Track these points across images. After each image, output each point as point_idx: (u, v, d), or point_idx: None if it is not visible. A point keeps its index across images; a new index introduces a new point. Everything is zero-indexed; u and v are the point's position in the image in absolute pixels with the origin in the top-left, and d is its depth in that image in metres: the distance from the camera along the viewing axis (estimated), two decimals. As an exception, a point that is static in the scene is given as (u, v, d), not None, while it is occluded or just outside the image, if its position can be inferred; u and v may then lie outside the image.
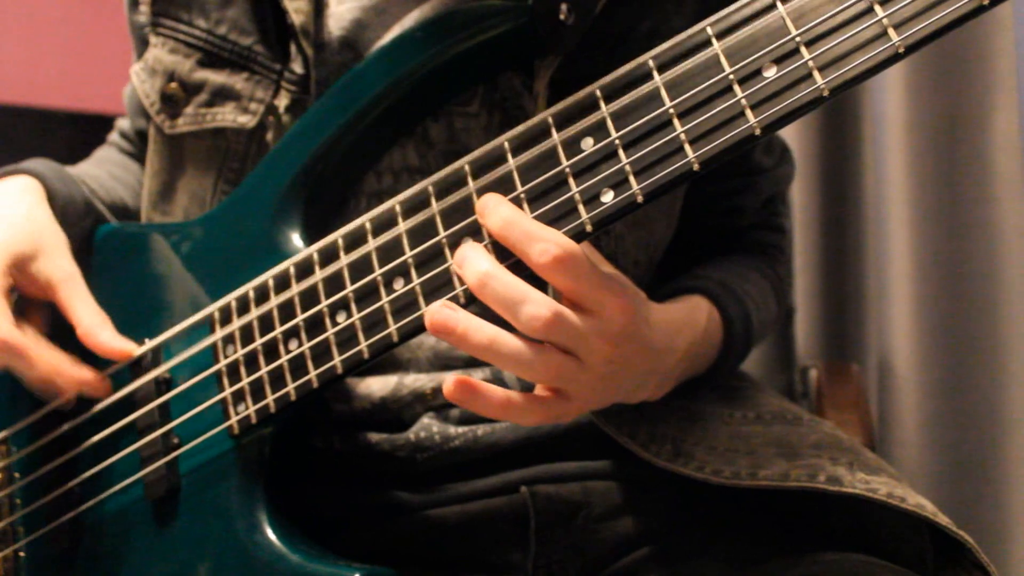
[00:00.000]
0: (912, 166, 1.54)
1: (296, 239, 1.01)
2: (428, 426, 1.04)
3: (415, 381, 1.04)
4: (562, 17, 0.97)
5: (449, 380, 0.81)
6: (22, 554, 1.10)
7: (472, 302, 0.83)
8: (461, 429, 1.04)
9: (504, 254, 0.82)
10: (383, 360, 1.04)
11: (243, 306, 0.98)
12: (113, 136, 1.41)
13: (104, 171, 1.31)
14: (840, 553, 0.97)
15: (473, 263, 0.80)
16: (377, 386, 1.05)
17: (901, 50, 0.72)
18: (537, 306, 0.78)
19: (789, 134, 1.47)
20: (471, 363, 1.05)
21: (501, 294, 0.79)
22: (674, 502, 1.07)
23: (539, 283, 0.80)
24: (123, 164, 1.35)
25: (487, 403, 0.82)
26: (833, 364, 1.69)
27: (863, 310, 1.76)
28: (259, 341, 0.96)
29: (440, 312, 0.79)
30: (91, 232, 1.17)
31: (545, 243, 0.78)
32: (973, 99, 1.49)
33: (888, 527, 0.99)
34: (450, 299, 0.84)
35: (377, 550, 1.03)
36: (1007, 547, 1.49)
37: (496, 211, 0.81)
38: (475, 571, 1.04)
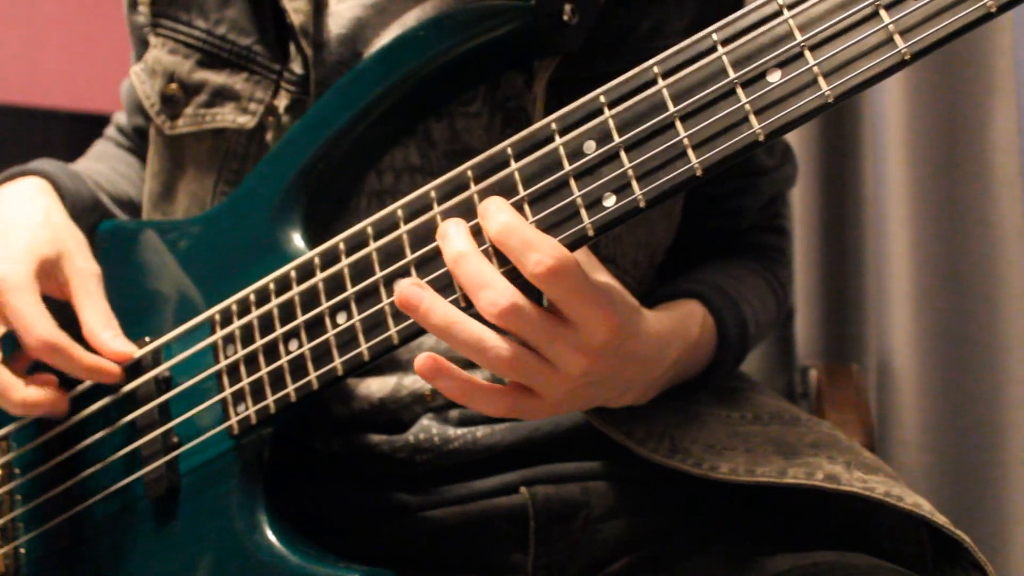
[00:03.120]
0: (912, 166, 1.54)
1: (297, 238, 1.00)
2: (427, 427, 1.04)
3: (414, 382, 1.04)
4: (566, 18, 0.97)
5: (422, 356, 0.81)
6: (23, 551, 1.10)
7: (471, 306, 0.83)
8: (460, 430, 1.04)
9: (502, 259, 0.82)
10: (382, 361, 1.04)
11: (244, 308, 0.98)
12: (110, 131, 1.41)
13: (107, 166, 1.31)
14: (839, 552, 0.97)
15: (452, 241, 0.81)
16: (376, 387, 1.05)
17: (907, 57, 0.71)
18: (496, 293, 0.79)
19: (789, 134, 1.47)
20: (470, 363, 1.04)
21: (469, 275, 0.80)
22: (673, 502, 1.07)
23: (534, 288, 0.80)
24: (123, 159, 1.35)
25: (449, 383, 0.82)
26: (833, 364, 1.69)
27: (863, 310, 1.76)
28: (259, 342, 0.96)
29: (408, 288, 0.80)
30: (94, 228, 1.17)
31: (541, 253, 0.78)
32: (972, 99, 1.49)
33: (886, 526, 0.99)
34: (451, 302, 0.84)
35: (376, 551, 1.03)
36: (1006, 547, 1.50)
37: (495, 216, 0.81)
38: (475, 572, 1.04)
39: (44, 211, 1.11)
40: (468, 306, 0.83)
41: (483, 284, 0.79)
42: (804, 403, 1.67)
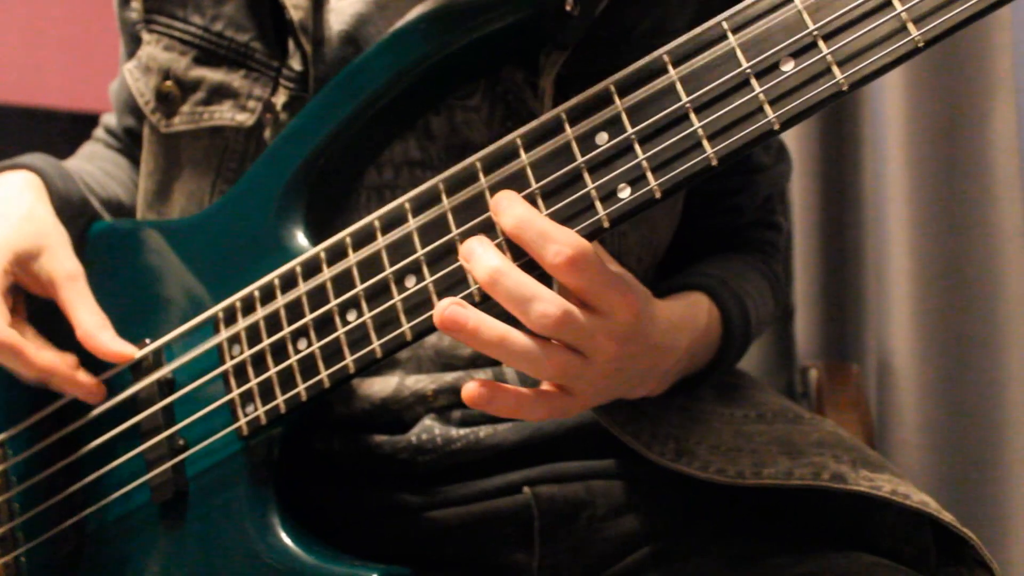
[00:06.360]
0: (911, 166, 1.55)
1: (299, 234, 1.00)
2: (430, 428, 1.03)
3: (416, 382, 1.04)
4: (568, 8, 0.97)
5: (471, 386, 0.81)
6: (23, 559, 1.09)
7: (485, 300, 0.83)
8: (463, 431, 1.03)
9: (517, 252, 0.82)
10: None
11: (248, 306, 0.97)
12: (99, 132, 1.40)
13: (96, 167, 1.30)
14: (843, 552, 0.97)
15: (483, 259, 0.80)
16: (378, 387, 1.04)
17: (921, 44, 0.71)
18: (547, 304, 0.78)
19: (788, 134, 1.47)
20: (473, 363, 1.04)
21: (512, 291, 0.79)
22: (677, 501, 1.07)
23: (548, 279, 0.80)
24: (113, 160, 1.34)
25: (506, 402, 0.82)
26: (833, 364, 1.69)
27: (863, 310, 1.77)
28: (267, 341, 0.95)
29: (450, 309, 0.79)
30: (84, 230, 1.16)
31: (559, 244, 0.78)
32: (972, 99, 1.50)
33: (890, 525, 1.00)
34: (464, 297, 0.83)
35: (380, 552, 1.02)
36: (1007, 547, 1.50)
37: (510, 209, 0.81)
38: (479, 572, 1.04)
39: (29, 205, 1.10)
40: (482, 300, 0.83)
41: (530, 298, 0.79)
42: (804, 403, 1.68)
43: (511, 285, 0.79)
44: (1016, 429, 1.50)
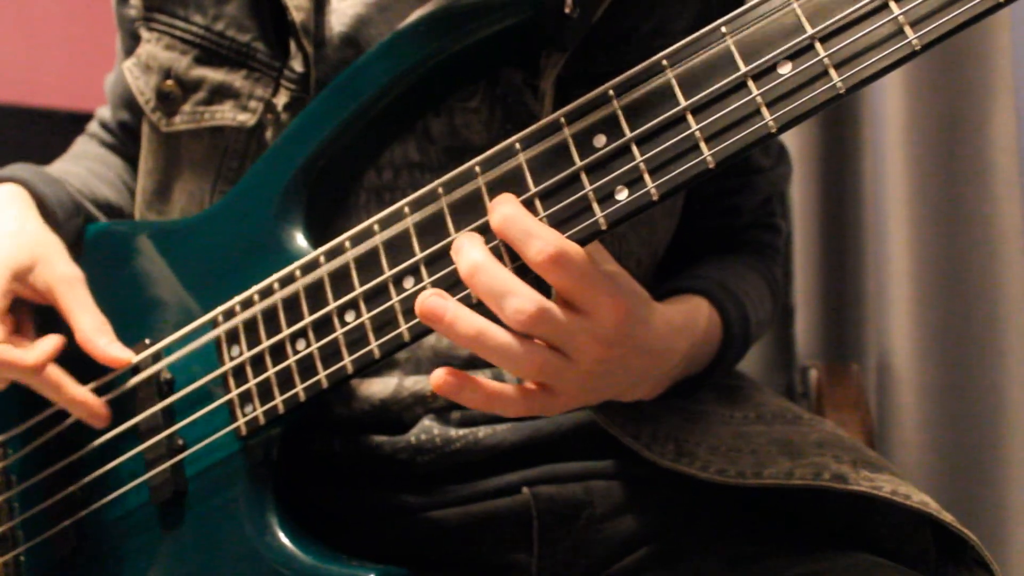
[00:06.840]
0: (911, 166, 1.55)
1: (299, 236, 1.00)
2: (429, 428, 1.03)
3: (415, 383, 1.04)
4: (567, 11, 0.97)
5: (439, 373, 0.81)
6: (23, 559, 1.09)
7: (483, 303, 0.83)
8: (462, 431, 1.03)
9: (514, 255, 0.82)
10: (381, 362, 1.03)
11: (247, 307, 0.97)
12: (92, 127, 1.39)
13: (83, 168, 1.29)
14: (843, 552, 0.97)
15: (466, 252, 0.80)
16: (377, 388, 1.04)
17: (918, 47, 0.71)
18: (522, 300, 0.78)
19: (788, 134, 1.48)
20: (471, 363, 1.04)
21: (489, 285, 0.79)
22: (676, 501, 1.07)
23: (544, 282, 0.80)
24: (103, 159, 1.33)
25: (474, 394, 0.82)
26: (833, 364, 1.69)
27: (863, 310, 1.77)
28: (265, 342, 0.95)
29: (430, 299, 0.80)
30: (80, 231, 1.16)
31: (542, 241, 0.78)
32: (972, 99, 1.50)
33: (890, 525, 0.99)
34: (462, 298, 0.83)
35: (379, 553, 1.02)
36: (1006, 547, 1.50)
37: (498, 208, 0.81)
38: (478, 573, 1.04)
39: (16, 219, 1.09)
40: (479, 302, 0.83)
41: (505, 292, 0.78)
42: (804, 403, 1.68)
43: (487, 279, 0.79)
44: (1016, 429, 1.50)
